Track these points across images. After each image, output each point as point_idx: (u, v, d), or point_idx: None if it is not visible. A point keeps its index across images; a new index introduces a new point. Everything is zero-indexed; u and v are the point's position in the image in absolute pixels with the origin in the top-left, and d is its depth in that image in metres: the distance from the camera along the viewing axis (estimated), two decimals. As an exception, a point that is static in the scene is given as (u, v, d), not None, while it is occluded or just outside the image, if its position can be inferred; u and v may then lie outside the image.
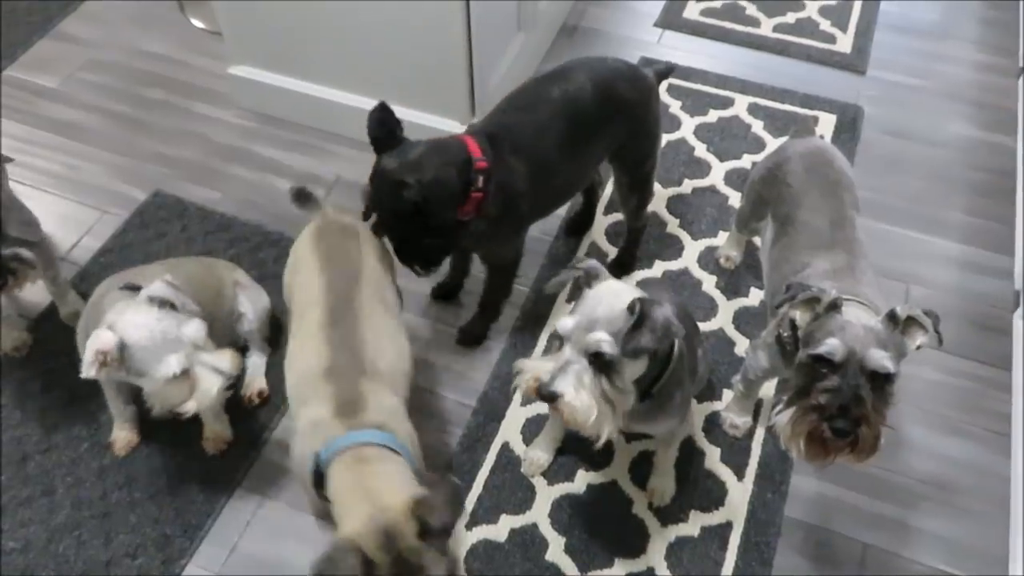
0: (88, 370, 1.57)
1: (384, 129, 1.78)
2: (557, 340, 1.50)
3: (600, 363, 1.43)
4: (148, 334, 1.60)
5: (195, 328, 1.66)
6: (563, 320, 1.46)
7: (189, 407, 1.67)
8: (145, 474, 1.99)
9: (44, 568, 1.85)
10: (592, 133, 1.98)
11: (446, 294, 2.35)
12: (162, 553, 1.87)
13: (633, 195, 2.21)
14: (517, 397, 2.13)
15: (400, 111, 2.57)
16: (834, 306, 1.46)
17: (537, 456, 2.00)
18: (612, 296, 1.45)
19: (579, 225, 2.49)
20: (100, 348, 1.56)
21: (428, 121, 2.53)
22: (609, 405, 1.44)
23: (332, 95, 2.67)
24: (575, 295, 1.55)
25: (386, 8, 2.34)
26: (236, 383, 1.71)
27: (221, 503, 1.95)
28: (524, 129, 1.91)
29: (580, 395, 1.41)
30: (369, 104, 2.62)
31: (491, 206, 1.87)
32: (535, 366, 1.47)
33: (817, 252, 1.73)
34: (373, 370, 1.55)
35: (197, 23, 3.18)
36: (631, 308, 1.41)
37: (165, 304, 1.66)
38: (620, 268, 2.40)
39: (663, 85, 2.89)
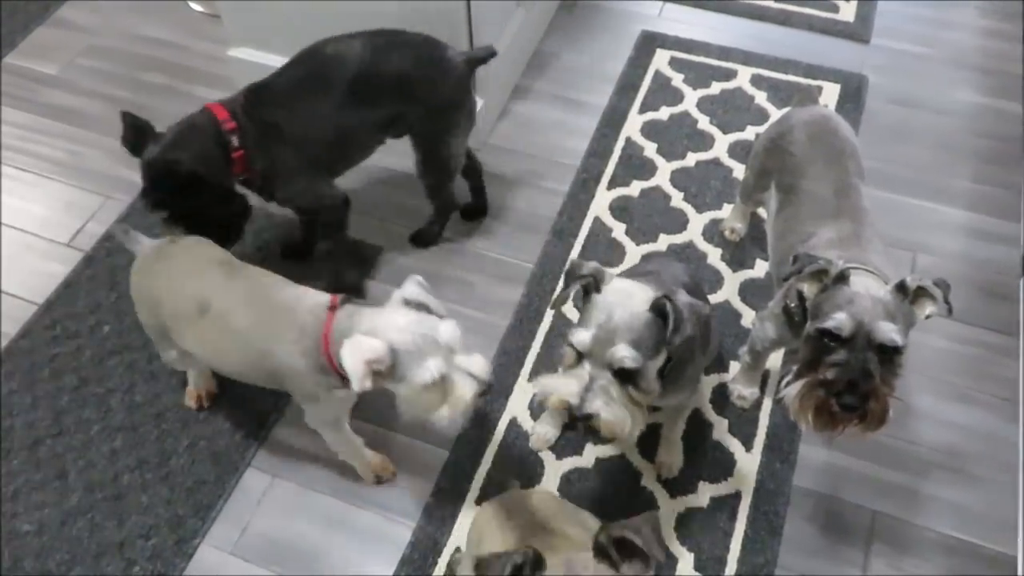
0: (362, 383, 1.45)
1: (136, 131, 1.87)
2: (569, 346, 1.45)
3: (624, 374, 1.41)
4: (411, 338, 1.49)
5: (450, 330, 1.53)
6: (579, 333, 1.41)
7: (443, 416, 1.54)
8: (156, 456, 2.01)
9: (58, 550, 1.87)
10: (362, 97, 1.99)
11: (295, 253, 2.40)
12: (175, 533, 1.89)
13: (429, 174, 2.20)
14: (523, 372, 2.14)
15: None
16: (842, 277, 1.45)
17: (545, 431, 2.00)
18: (626, 298, 1.42)
19: (473, 211, 2.48)
20: (371, 358, 1.45)
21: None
22: (638, 408, 1.44)
23: (332, 75, 2.65)
24: (580, 301, 1.49)
25: (384, -15, 2.32)
26: (487, 390, 1.57)
27: (232, 483, 1.97)
28: (283, 82, 2.00)
29: (613, 409, 1.40)
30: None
31: (258, 159, 1.96)
32: (559, 388, 1.43)
33: (822, 221, 1.72)
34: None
35: (195, 6, 3.16)
36: (657, 308, 1.39)
37: (421, 307, 1.57)
38: (418, 240, 2.41)
39: (664, 57, 2.89)
